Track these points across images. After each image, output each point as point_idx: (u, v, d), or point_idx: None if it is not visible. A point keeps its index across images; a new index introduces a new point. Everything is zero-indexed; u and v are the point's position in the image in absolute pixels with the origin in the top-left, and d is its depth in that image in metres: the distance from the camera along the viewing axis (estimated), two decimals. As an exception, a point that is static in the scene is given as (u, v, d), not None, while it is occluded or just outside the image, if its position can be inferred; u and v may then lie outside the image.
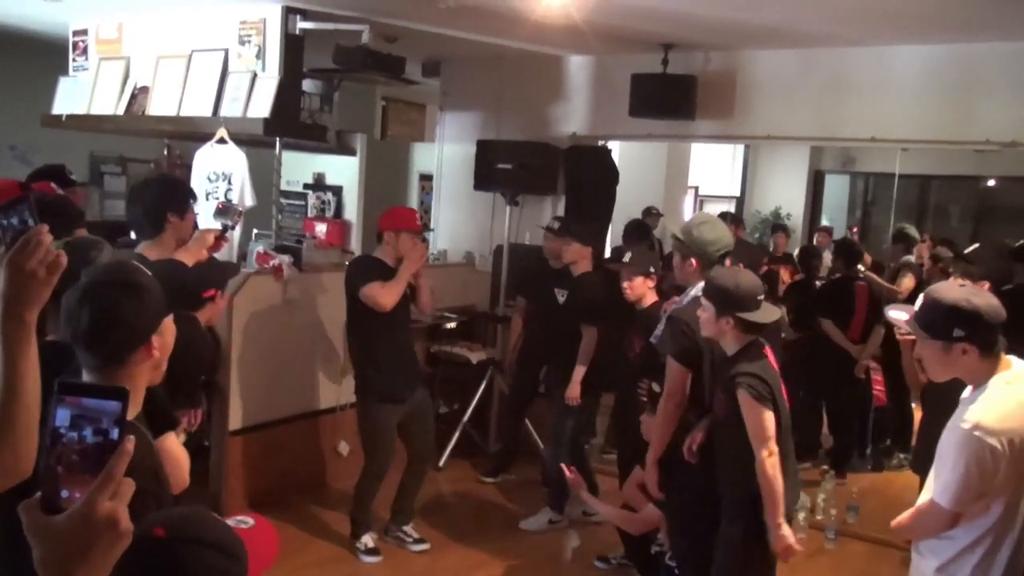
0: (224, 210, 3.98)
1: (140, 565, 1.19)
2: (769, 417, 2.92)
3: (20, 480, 1.40)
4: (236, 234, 4.65)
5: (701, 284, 3.30)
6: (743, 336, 3.04)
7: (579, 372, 4.88)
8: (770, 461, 2.91)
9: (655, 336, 3.71)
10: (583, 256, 4.98)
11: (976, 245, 4.29)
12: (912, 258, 6.60)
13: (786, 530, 2.96)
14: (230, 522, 1.45)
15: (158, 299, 1.77)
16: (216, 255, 3.70)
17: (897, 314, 2.61)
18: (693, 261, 3.45)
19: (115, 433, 0.95)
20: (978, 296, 2.39)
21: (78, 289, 1.72)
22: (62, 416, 0.94)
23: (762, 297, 3.06)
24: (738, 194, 11.29)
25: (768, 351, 3.11)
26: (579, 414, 5.01)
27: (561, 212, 6.29)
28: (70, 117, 5.80)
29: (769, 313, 3.07)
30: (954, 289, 2.45)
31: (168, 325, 1.80)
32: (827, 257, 7.33)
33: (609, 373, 4.88)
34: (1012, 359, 2.42)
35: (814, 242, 8.30)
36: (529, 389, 5.52)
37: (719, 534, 3.11)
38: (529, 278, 5.57)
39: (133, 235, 3.55)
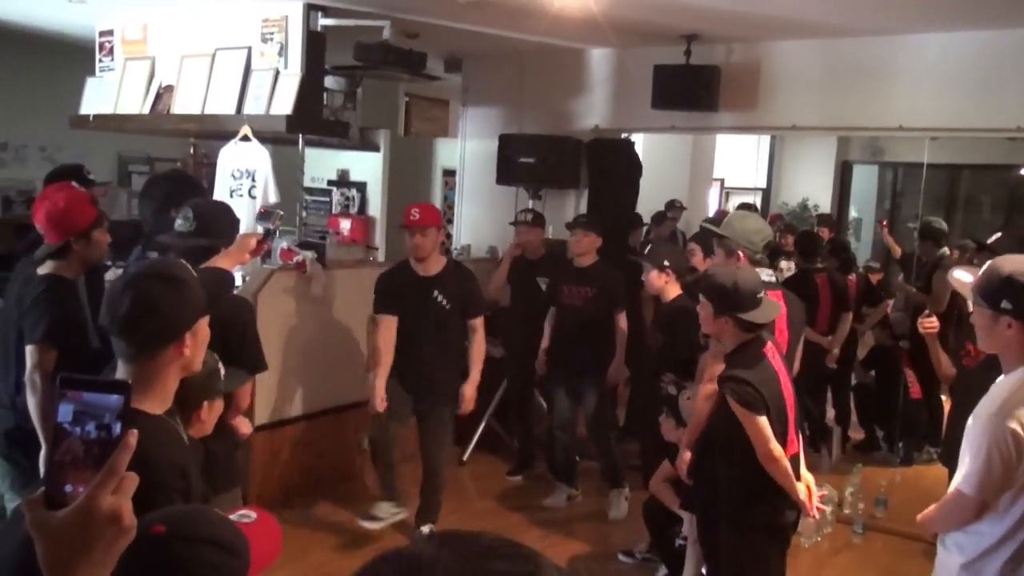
0: (266, 214, 3.97)
1: (140, 563, 1.17)
2: (760, 423, 2.89)
3: None
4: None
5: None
6: (742, 334, 3.00)
7: (621, 356, 4.97)
8: (773, 463, 2.90)
9: None
10: (594, 247, 5.03)
11: (999, 235, 4.15)
12: (946, 251, 6.38)
13: (801, 492, 2.99)
14: (232, 517, 1.45)
15: (198, 298, 1.81)
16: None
17: (962, 275, 2.60)
18: (740, 254, 3.44)
19: (117, 428, 0.95)
20: None
21: (124, 277, 1.79)
22: (64, 411, 0.95)
23: (762, 295, 3.02)
24: (764, 186, 11.19)
25: (770, 349, 3.06)
26: (609, 402, 5.06)
27: (584, 206, 6.28)
28: (97, 117, 5.87)
29: (769, 311, 3.03)
30: (1020, 260, 2.34)
31: (203, 326, 1.83)
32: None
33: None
34: None
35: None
36: (528, 380, 5.54)
37: (720, 536, 3.11)
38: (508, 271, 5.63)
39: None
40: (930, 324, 3.49)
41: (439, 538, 0.78)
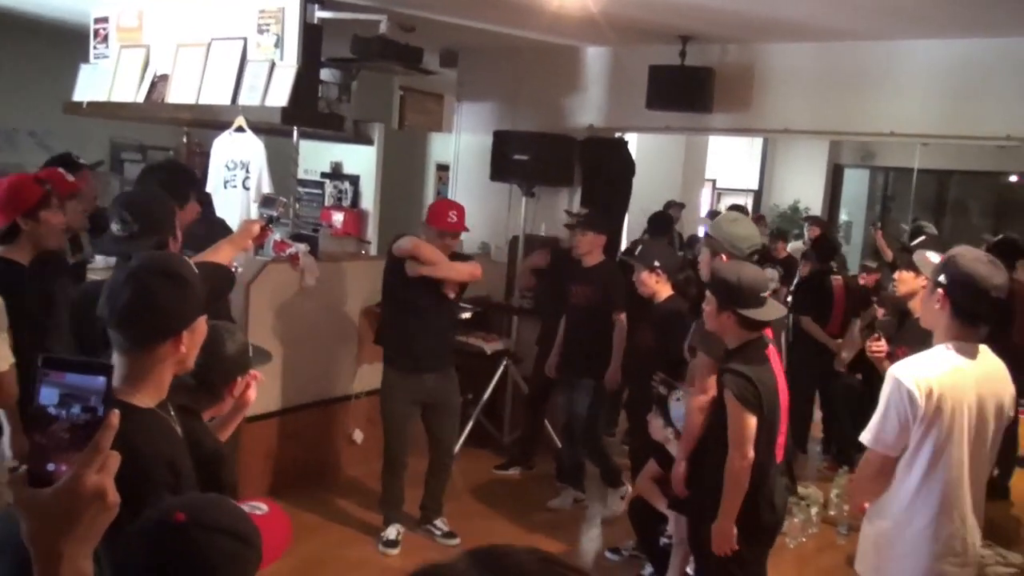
0: (269, 201, 3.91)
1: (160, 548, 1.23)
2: (750, 422, 2.92)
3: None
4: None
5: None
6: (744, 333, 3.03)
7: (618, 359, 4.94)
8: (741, 465, 2.94)
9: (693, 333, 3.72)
10: (597, 246, 5.03)
11: (923, 237, 3.95)
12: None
13: (730, 535, 2.99)
14: (244, 507, 1.48)
15: (197, 296, 1.81)
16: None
17: (931, 255, 2.85)
18: (723, 257, 3.46)
19: (101, 410, 0.97)
20: (991, 265, 2.40)
21: (126, 269, 1.78)
22: (47, 395, 0.96)
23: (766, 294, 3.04)
24: (756, 187, 11.24)
25: (772, 351, 3.08)
26: (602, 405, 5.05)
27: (576, 205, 6.29)
28: (90, 104, 5.84)
29: (772, 311, 3.06)
30: (979, 255, 2.45)
31: (200, 324, 1.83)
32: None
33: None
34: (983, 348, 2.44)
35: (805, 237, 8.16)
36: (546, 380, 5.56)
37: (696, 533, 3.15)
38: (545, 270, 5.63)
39: None
40: (878, 348, 3.52)
41: (472, 556, 0.80)
